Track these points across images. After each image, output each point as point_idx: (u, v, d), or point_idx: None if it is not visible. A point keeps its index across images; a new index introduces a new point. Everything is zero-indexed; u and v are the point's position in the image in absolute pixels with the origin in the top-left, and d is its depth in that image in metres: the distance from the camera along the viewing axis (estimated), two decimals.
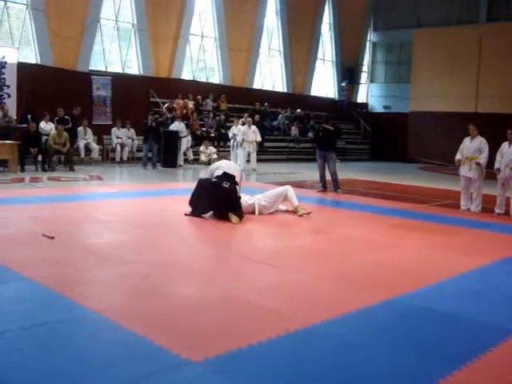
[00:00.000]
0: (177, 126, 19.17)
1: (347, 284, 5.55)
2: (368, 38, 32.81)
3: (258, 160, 19.80)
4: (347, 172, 18.04)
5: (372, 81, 33.22)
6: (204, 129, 22.00)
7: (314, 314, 4.53)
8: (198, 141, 21.03)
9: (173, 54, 22.78)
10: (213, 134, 21.95)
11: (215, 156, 20.03)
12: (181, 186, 13.46)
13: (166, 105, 21.42)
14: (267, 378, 3.39)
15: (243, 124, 20.37)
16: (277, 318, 4.43)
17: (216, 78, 25.39)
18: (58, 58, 19.23)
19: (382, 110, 32.14)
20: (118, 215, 8.94)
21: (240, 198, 9.15)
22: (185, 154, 19.88)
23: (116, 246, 6.77)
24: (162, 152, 18.20)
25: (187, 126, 20.33)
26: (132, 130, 19.53)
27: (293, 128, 25.80)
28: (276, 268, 6.08)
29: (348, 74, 31.45)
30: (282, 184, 10.65)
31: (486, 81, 26.55)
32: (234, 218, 8.52)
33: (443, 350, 3.98)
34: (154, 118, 18.14)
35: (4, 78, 16.87)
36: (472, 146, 11.19)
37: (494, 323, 4.60)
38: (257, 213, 9.42)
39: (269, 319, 4.41)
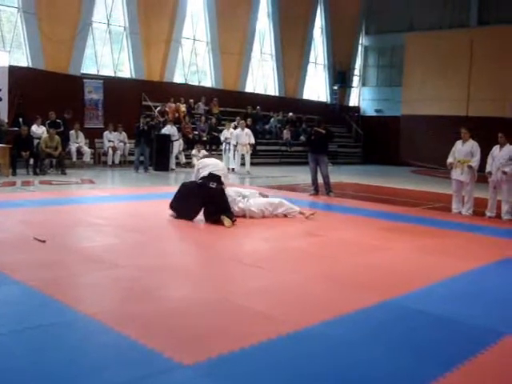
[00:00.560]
0: (169, 129, 19.17)
1: (339, 287, 5.56)
2: (360, 42, 32.90)
3: (251, 163, 19.81)
4: (339, 175, 18.06)
5: (364, 84, 33.31)
6: (196, 132, 21.98)
7: (306, 317, 4.54)
8: (190, 144, 20.99)
9: (165, 58, 22.78)
10: (205, 138, 21.92)
11: None
12: (173, 190, 13.42)
13: (158, 108, 21.39)
14: (259, 382, 3.39)
15: (235, 127, 20.41)
16: (269, 321, 4.44)
17: (208, 82, 25.39)
18: (50, 62, 19.19)
19: (374, 114, 32.23)
20: (109, 219, 8.93)
21: (227, 198, 9.10)
22: (177, 158, 19.86)
23: (108, 249, 6.76)
24: (154, 155, 18.18)
25: (179, 129, 20.31)
26: (124, 134, 19.49)
27: (285, 131, 25.82)
28: (268, 271, 6.08)
29: (340, 77, 31.53)
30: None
31: (478, 84, 26.67)
32: (226, 221, 8.50)
33: (435, 352, 4.00)
34: (145, 122, 18.13)
35: None
36: (464, 150, 11.23)
37: (486, 325, 4.62)
38: (248, 217, 9.42)
39: (261, 322, 4.42)
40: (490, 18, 27.38)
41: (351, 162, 28.54)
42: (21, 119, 16.62)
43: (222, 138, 20.42)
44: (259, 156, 23.14)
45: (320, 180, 13.41)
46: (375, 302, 5.03)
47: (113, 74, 21.83)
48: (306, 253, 7.19)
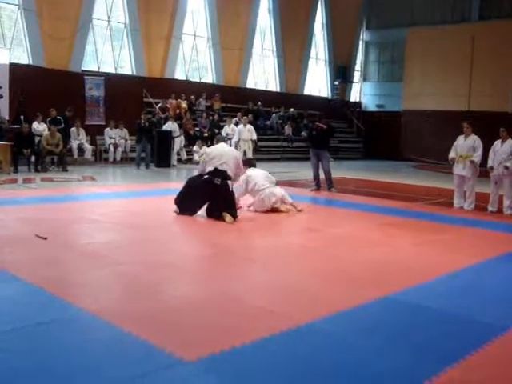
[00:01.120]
0: (170, 125, 19.17)
1: (340, 282, 5.56)
2: (361, 37, 32.84)
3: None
4: (341, 171, 18.05)
5: (365, 79, 33.26)
6: (197, 128, 21.97)
7: (307, 313, 4.53)
8: (191, 141, 21.00)
9: (165, 54, 22.76)
10: (206, 134, 21.92)
11: None
12: (174, 186, 13.43)
13: (159, 105, 21.39)
14: (260, 377, 3.39)
15: (236, 123, 20.40)
16: (270, 317, 4.44)
17: (209, 78, 25.37)
18: (51, 59, 19.18)
19: (375, 109, 32.19)
20: (111, 216, 8.93)
21: (233, 194, 9.01)
22: (178, 154, 19.86)
23: (109, 246, 6.76)
24: (156, 152, 18.18)
25: (180, 125, 20.31)
26: (125, 131, 19.49)
27: (286, 127, 25.80)
28: (269, 267, 6.08)
29: (341, 72, 31.48)
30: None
31: (479, 79, 26.63)
32: (228, 218, 8.50)
33: (436, 347, 3.99)
34: (147, 118, 18.14)
35: None
36: (466, 145, 11.22)
37: (487, 320, 4.62)
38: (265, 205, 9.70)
39: (262, 318, 4.42)
40: (492, 13, 27.31)
41: (352, 158, 28.53)
42: (22, 117, 16.60)
43: (224, 134, 20.40)
44: (261, 152, 23.13)
45: (322, 175, 13.40)
46: (376, 297, 5.03)
47: (113, 71, 21.81)
48: (306, 248, 7.19)
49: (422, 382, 3.37)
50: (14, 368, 3.36)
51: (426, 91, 28.19)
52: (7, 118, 16.53)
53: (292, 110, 26.95)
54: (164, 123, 19.55)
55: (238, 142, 19.45)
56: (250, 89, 26.82)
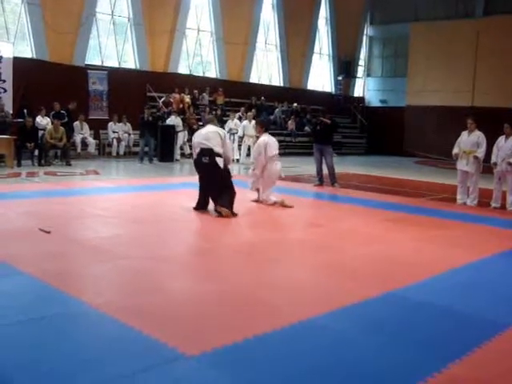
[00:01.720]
0: (173, 120, 19.16)
1: (343, 278, 5.56)
2: (365, 32, 32.73)
3: None
4: (344, 166, 18.03)
5: (368, 75, 33.18)
6: (201, 123, 21.94)
7: (310, 308, 4.54)
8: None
9: (169, 48, 22.71)
10: None
11: None
12: (177, 181, 13.47)
13: (163, 99, 21.37)
14: (263, 372, 3.40)
15: (240, 118, 20.40)
16: (273, 312, 4.45)
17: (212, 72, 25.34)
18: (54, 53, 19.16)
19: (379, 104, 32.12)
20: (114, 210, 8.94)
21: (223, 171, 8.79)
22: (181, 149, 19.86)
23: (112, 240, 6.77)
24: (159, 146, 18.19)
25: (184, 120, 20.31)
26: (128, 125, 19.49)
27: (289, 122, 25.76)
28: (272, 262, 6.09)
29: (344, 67, 31.39)
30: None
31: (483, 75, 26.54)
32: (224, 211, 8.45)
33: (438, 343, 4.00)
34: (150, 113, 18.15)
35: (0, 73, 16.82)
36: (470, 140, 11.20)
37: (490, 317, 4.62)
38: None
39: (264, 313, 4.43)
40: (496, 8, 27.16)
41: (355, 153, 28.47)
42: (25, 110, 16.60)
43: (227, 129, 20.38)
44: None
45: (325, 171, 13.40)
46: (379, 293, 5.04)
47: (117, 65, 21.80)
48: (310, 243, 7.20)
49: (424, 379, 3.37)
50: (18, 360, 3.38)
51: (430, 87, 28.12)
52: (11, 111, 16.53)
53: (295, 104, 26.91)
54: (167, 118, 19.55)
55: (243, 137, 19.46)
56: (254, 83, 26.79)
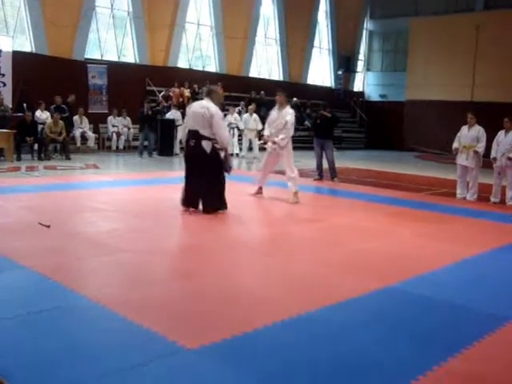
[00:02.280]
0: (173, 114, 19.15)
1: (342, 272, 5.56)
2: (365, 26, 32.68)
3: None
4: (344, 160, 18.04)
5: (368, 69, 33.14)
6: None
7: (309, 302, 4.55)
8: None
9: (169, 42, 22.67)
10: None
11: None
12: (177, 175, 13.43)
13: (162, 93, 21.34)
14: (262, 365, 3.41)
15: (239, 112, 20.39)
16: (272, 306, 4.45)
17: (212, 67, 25.30)
18: (53, 47, 19.11)
19: (379, 99, 32.08)
20: (113, 204, 8.94)
21: (210, 156, 8.03)
22: (181, 143, 19.79)
23: (112, 234, 6.77)
24: (158, 140, 18.18)
25: (183, 114, 20.27)
26: (128, 119, 19.47)
27: None
28: (271, 256, 6.09)
29: (344, 62, 31.35)
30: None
31: (483, 69, 26.49)
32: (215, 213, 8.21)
33: (438, 337, 4.01)
34: (150, 107, 18.14)
35: None
36: (470, 135, 11.20)
37: (489, 311, 4.62)
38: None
39: (264, 307, 4.43)
40: (497, 2, 27.07)
41: (355, 148, 28.45)
42: (25, 105, 16.59)
43: (226, 123, 20.36)
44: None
45: (325, 165, 13.39)
46: (378, 287, 5.04)
47: (116, 59, 21.76)
48: (309, 238, 7.20)
49: (423, 373, 3.38)
50: (17, 354, 3.38)
51: (430, 81, 28.08)
52: (10, 105, 16.50)
53: (295, 99, 26.82)
54: (167, 112, 19.54)
55: (243, 131, 19.46)
56: (253, 78, 26.74)
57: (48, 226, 6.76)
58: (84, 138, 18.13)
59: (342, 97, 31.02)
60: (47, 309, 4.16)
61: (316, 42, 30.16)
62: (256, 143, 19.48)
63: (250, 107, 20.24)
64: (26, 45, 18.95)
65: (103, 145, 19.38)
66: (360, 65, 33.15)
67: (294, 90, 27.21)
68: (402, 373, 3.41)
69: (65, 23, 19.21)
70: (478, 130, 11.14)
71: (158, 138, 18.11)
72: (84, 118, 18.26)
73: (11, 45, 17.38)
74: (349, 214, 9.12)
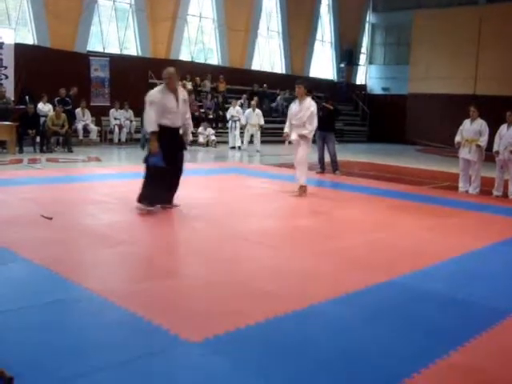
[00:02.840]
0: None
1: (345, 265, 5.56)
2: (367, 19, 32.60)
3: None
4: (346, 153, 18.02)
5: (371, 62, 33.07)
6: (202, 110, 21.93)
7: (312, 295, 4.55)
8: (196, 122, 20.96)
9: (171, 35, 22.63)
10: (211, 116, 21.90)
11: (213, 138, 20.07)
12: None
13: None
14: (265, 358, 3.41)
15: (241, 105, 20.38)
16: (274, 299, 4.45)
17: (214, 59, 25.27)
18: (56, 39, 19.08)
19: (381, 92, 32.03)
20: (116, 196, 8.94)
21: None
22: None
23: (114, 226, 6.78)
24: None
25: None
26: (130, 112, 19.46)
27: None
28: (274, 249, 6.09)
29: (347, 55, 31.30)
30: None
31: (486, 63, 26.42)
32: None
33: (440, 330, 4.01)
34: None
35: (1, 59, 16.77)
36: (472, 129, 11.17)
37: (491, 304, 4.63)
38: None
39: (266, 300, 4.43)
40: None
41: (357, 141, 28.43)
42: (27, 97, 16.57)
43: (228, 116, 20.37)
44: (265, 134, 23.06)
45: (327, 158, 13.38)
46: (381, 280, 5.04)
47: (119, 52, 21.74)
48: (312, 231, 7.20)
49: (426, 366, 3.39)
50: (20, 346, 3.39)
51: (432, 74, 28.01)
52: (12, 98, 16.50)
53: None
54: None
55: (246, 125, 19.45)
56: (256, 70, 26.71)
57: (50, 219, 6.77)
58: (86, 130, 18.12)
59: (344, 90, 30.96)
60: (49, 301, 4.16)
61: (318, 35, 30.12)
62: (259, 137, 19.49)
63: (252, 102, 20.20)
64: (28, 37, 18.93)
65: (105, 137, 19.37)
66: (362, 58, 33.10)
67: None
68: (404, 366, 3.41)
69: (67, 15, 19.17)
70: (480, 124, 11.12)
71: None
72: (86, 110, 18.24)
73: (13, 37, 17.36)
74: (351, 207, 9.11)
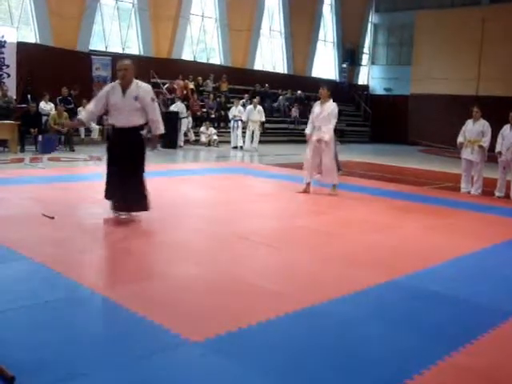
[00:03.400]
0: (177, 106, 19.13)
1: (347, 265, 5.55)
2: (369, 20, 32.60)
3: (259, 141, 19.84)
4: (347, 154, 17.99)
5: (373, 63, 33.07)
6: (204, 110, 21.94)
7: (314, 295, 4.54)
8: (198, 122, 20.98)
9: (173, 35, 22.65)
10: (213, 115, 21.91)
11: (215, 137, 20.08)
12: (180, 167, 13.45)
13: (167, 85, 21.33)
14: (266, 358, 3.40)
15: (244, 105, 20.40)
16: (276, 299, 4.44)
17: (216, 59, 25.29)
18: (58, 38, 19.11)
19: (383, 92, 32.03)
20: None
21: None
22: (185, 135, 19.83)
23: (115, 225, 6.76)
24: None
25: (187, 106, 20.28)
26: None
27: (293, 109, 25.73)
28: (276, 249, 6.08)
29: (349, 55, 31.31)
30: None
31: (488, 63, 26.42)
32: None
33: (442, 331, 4.00)
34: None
35: (3, 58, 16.79)
36: (475, 129, 11.16)
37: (493, 305, 4.61)
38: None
39: (268, 300, 4.42)
40: None
41: (359, 141, 28.41)
42: (29, 96, 16.59)
43: (231, 116, 20.38)
44: (267, 134, 23.08)
45: None
46: (383, 280, 5.03)
47: (121, 51, 21.74)
48: (314, 231, 7.18)
49: (427, 367, 3.37)
50: (21, 345, 3.38)
51: (435, 75, 28.00)
52: (14, 97, 16.50)
53: (299, 92, 26.84)
54: (171, 104, 19.53)
55: (247, 122, 19.46)
56: (258, 70, 26.73)
57: (52, 218, 6.76)
58: (88, 129, 18.09)
59: (346, 90, 30.97)
60: (51, 300, 4.15)
61: (321, 35, 30.13)
62: (258, 135, 19.52)
63: (254, 100, 20.25)
64: (31, 36, 18.96)
65: (107, 137, 19.34)
66: (365, 58, 33.10)
67: (298, 82, 27.24)
68: (406, 367, 3.40)
69: (69, 14, 19.20)
70: (482, 124, 11.10)
71: None
72: None
73: (16, 36, 17.38)
74: (353, 208, 9.10)
